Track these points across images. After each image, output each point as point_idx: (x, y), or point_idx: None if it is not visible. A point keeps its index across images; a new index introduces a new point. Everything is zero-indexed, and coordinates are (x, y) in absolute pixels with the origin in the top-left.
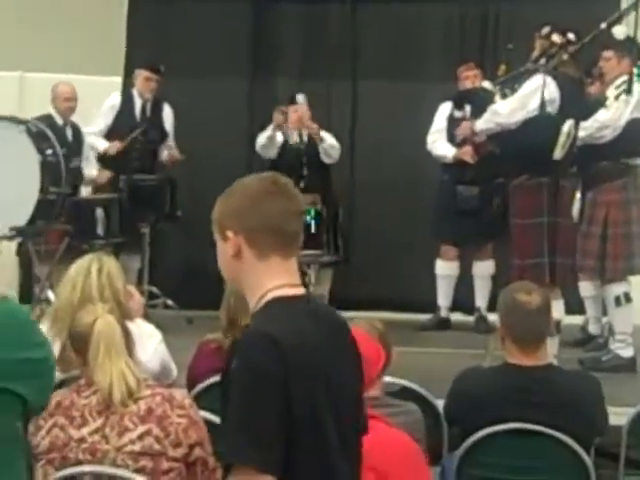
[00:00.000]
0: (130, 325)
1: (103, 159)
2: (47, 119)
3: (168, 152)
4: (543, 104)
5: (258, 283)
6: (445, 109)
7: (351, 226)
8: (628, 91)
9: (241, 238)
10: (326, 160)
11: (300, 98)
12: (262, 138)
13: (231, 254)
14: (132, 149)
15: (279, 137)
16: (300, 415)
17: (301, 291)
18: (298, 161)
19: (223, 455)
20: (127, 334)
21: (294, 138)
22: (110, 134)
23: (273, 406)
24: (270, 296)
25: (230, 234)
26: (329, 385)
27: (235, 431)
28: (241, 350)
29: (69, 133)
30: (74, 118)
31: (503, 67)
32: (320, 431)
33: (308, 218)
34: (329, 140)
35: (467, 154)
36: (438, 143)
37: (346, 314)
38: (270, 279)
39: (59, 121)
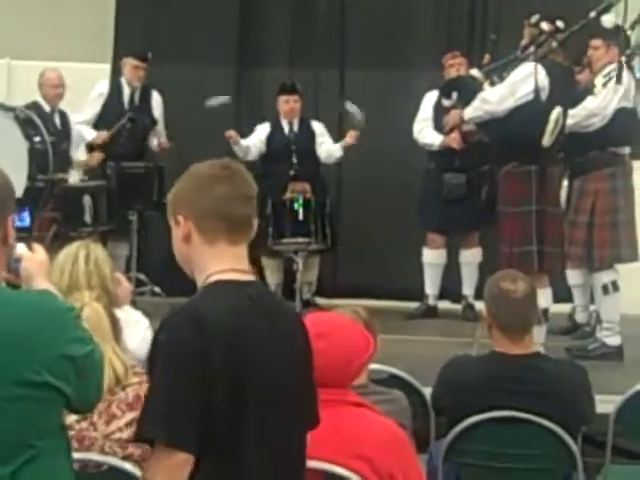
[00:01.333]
0: (118, 312)
1: (91, 148)
2: (35, 106)
3: (157, 139)
4: (537, 90)
5: (204, 267)
6: (431, 98)
7: (339, 214)
8: (618, 80)
9: (190, 223)
10: (324, 159)
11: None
12: (237, 151)
13: (181, 238)
14: (120, 136)
15: (242, 145)
16: (217, 391)
17: (247, 277)
18: (288, 150)
19: (143, 432)
20: (115, 321)
21: (284, 128)
22: (98, 122)
23: (190, 381)
24: (212, 279)
25: (180, 219)
26: (258, 373)
27: (151, 406)
28: (164, 326)
29: (57, 120)
30: (62, 105)
31: (487, 57)
32: (235, 420)
33: (296, 206)
34: (339, 151)
35: (454, 141)
36: (425, 131)
37: (333, 302)
38: (215, 264)
39: (47, 108)
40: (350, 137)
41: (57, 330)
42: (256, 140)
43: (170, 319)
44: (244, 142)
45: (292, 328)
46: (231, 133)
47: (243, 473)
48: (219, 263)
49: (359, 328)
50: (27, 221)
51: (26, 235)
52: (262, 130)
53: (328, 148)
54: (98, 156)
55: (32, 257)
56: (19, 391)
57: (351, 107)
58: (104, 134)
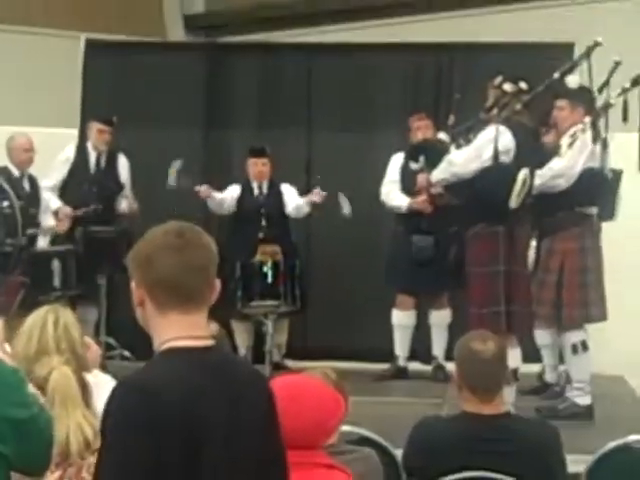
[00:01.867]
0: (87, 376)
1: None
2: (3, 171)
3: (126, 203)
4: (496, 154)
5: (158, 334)
6: (398, 160)
7: (308, 276)
8: (594, 141)
9: (142, 290)
10: (291, 214)
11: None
12: (210, 204)
13: (137, 303)
14: (89, 200)
15: (216, 199)
16: (169, 463)
17: (201, 343)
18: (257, 212)
19: None
20: (84, 385)
21: (254, 190)
22: (65, 187)
23: (137, 454)
24: (164, 347)
25: (133, 285)
26: (212, 440)
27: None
28: (112, 396)
29: (26, 185)
30: (31, 170)
31: (452, 117)
32: None
33: (265, 268)
34: (307, 208)
35: (422, 204)
36: (392, 194)
37: (303, 364)
38: (168, 332)
39: (16, 172)
40: (316, 195)
41: (1, 392)
42: (229, 196)
43: (117, 389)
44: (218, 195)
45: (251, 391)
46: (201, 188)
47: None
48: (172, 331)
49: (329, 390)
50: None
51: None
52: (233, 190)
53: (296, 203)
54: (66, 224)
55: None
56: None
57: (343, 201)
58: (68, 210)
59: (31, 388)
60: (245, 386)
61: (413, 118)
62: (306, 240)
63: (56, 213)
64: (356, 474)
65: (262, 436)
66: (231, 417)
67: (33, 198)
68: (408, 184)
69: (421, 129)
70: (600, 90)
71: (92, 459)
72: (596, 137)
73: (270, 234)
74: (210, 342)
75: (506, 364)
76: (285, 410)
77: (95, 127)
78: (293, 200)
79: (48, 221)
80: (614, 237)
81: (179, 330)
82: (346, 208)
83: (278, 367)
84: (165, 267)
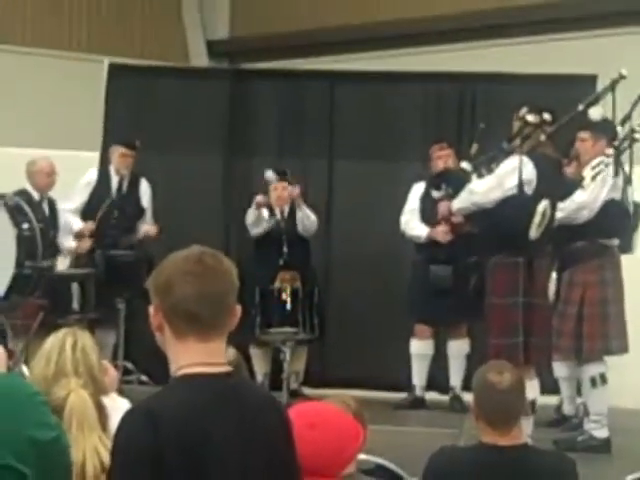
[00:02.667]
0: (104, 399)
1: (79, 236)
2: (23, 194)
3: (146, 228)
4: (521, 184)
5: (176, 359)
6: (418, 189)
7: (327, 304)
8: (616, 173)
9: (161, 315)
10: (302, 232)
11: (269, 174)
12: (251, 215)
13: (155, 327)
14: (107, 223)
15: (265, 215)
16: None
17: (219, 370)
18: (278, 238)
19: None
20: (101, 408)
21: (276, 215)
22: (86, 211)
23: (138, 475)
24: (179, 373)
25: (152, 310)
26: (219, 465)
27: None
28: (122, 421)
29: (46, 208)
30: (51, 193)
31: (475, 146)
32: None
33: (284, 295)
34: (305, 210)
35: (440, 234)
36: (412, 223)
37: (320, 392)
38: (184, 358)
39: (36, 196)
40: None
41: (23, 414)
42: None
43: (126, 414)
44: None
45: (263, 415)
46: (260, 198)
47: None
48: (188, 357)
49: (349, 418)
50: None
51: None
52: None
53: (303, 218)
54: (87, 243)
55: None
56: None
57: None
58: (90, 224)
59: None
60: (257, 410)
61: (435, 147)
62: (326, 267)
63: (77, 235)
64: None
65: (273, 460)
66: (240, 439)
67: (52, 221)
68: (428, 213)
69: (442, 158)
70: (623, 123)
71: None
72: (618, 169)
73: (291, 260)
74: (226, 368)
75: (523, 396)
76: (303, 437)
77: (118, 151)
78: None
79: (68, 243)
80: (636, 269)
81: (196, 357)
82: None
83: (295, 394)
84: (183, 294)
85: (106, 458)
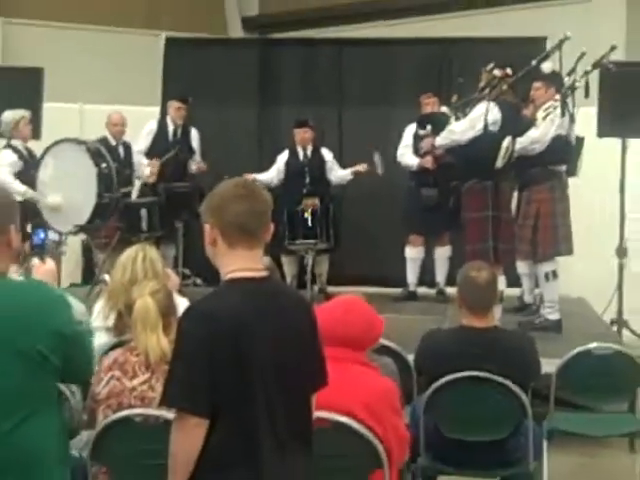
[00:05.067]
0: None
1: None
2: (103, 140)
3: (196, 165)
4: (486, 126)
5: (226, 265)
6: (411, 129)
7: (341, 221)
8: (562, 114)
9: (216, 231)
10: (335, 182)
11: (376, 158)
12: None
13: (208, 242)
14: (167, 165)
15: (273, 179)
16: (222, 371)
17: (259, 274)
18: (302, 172)
19: (164, 402)
20: (170, 308)
21: (299, 154)
22: (149, 153)
23: (199, 362)
24: (229, 276)
25: (208, 227)
26: (261, 351)
27: (171, 382)
28: (184, 316)
29: (121, 151)
30: (126, 138)
31: (455, 96)
32: (242, 391)
33: (306, 215)
34: (349, 177)
35: (428, 162)
36: (406, 156)
37: (338, 289)
38: (234, 264)
39: (112, 142)
40: (362, 168)
41: (52, 312)
42: (275, 172)
43: (188, 311)
44: (262, 177)
45: (296, 310)
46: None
47: (252, 432)
48: (237, 263)
49: (372, 310)
50: (42, 237)
51: (40, 250)
52: (281, 158)
53: (340, 174)
54: (155, 174)
55: (41, 266)
56: (19, 358)
57: (378, 159)
58: (155, 162)
59: (81, 313)
60: (291, 307)
61: (423, 96)
62: (340, 193)
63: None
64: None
65: (302, 346)
66: (277, 331)
67: (126, 161)
68: (418, 148)
69: (429, 105)
70: (568, 74)
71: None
72: (564, 111)
73: (313, 189)
74: (265, 273)
75: (497, 288)
76: (340, 320)
77: (173, 105)
78: (335, 171)
79: (144, 171)
80: (579, 188)
81: (242, 262)
82: (380, 168)
83: (322, 292)
84: (236, 212)
85: (166, 348)
